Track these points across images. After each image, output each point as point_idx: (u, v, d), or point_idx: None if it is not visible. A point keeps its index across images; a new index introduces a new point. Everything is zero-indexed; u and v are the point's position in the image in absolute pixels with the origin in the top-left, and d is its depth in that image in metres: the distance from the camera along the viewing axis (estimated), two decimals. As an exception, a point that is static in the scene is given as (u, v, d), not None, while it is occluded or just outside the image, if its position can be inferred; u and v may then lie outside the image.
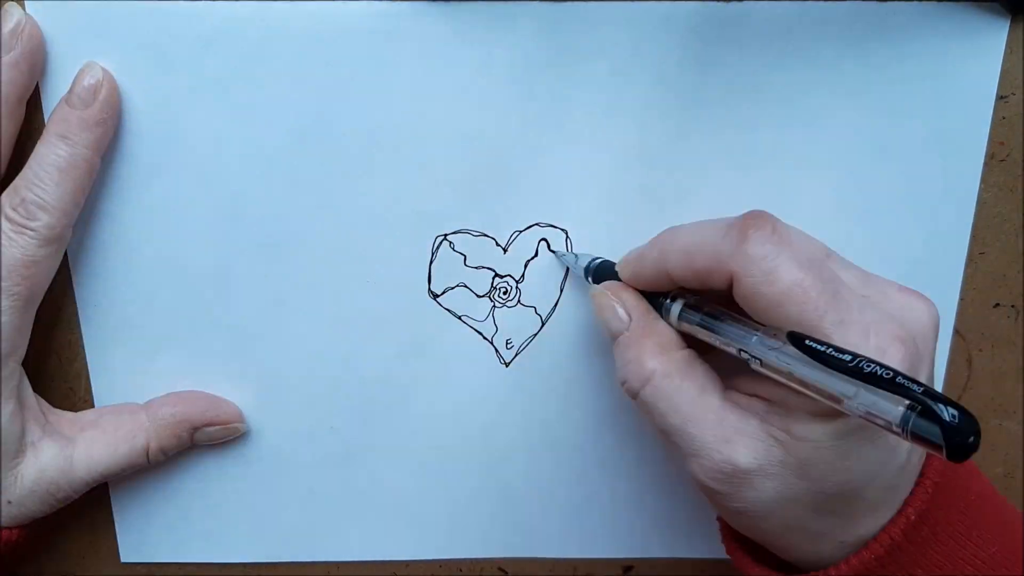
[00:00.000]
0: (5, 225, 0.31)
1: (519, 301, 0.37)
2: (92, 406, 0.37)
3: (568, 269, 0.37)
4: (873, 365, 0.24)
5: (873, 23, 0.34)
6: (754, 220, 0.29)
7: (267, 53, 0.33)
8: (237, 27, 0.32)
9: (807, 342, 0.26)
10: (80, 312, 0.36)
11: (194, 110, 0.34)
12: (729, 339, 0.29)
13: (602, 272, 0.35)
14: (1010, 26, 0.34)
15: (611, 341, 0.33)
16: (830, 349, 0.26)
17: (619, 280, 0.34)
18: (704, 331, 0.30)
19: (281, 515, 0.39)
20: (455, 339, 0.37)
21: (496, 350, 0.37)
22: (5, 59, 0.31)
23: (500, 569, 0.41)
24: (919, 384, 0.24)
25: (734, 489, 0.29)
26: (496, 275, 0.36)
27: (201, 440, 0.37)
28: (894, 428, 0.24)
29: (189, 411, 0.36)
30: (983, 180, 0.36)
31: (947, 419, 0.22)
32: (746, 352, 0.29)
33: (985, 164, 0.36)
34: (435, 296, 0.36)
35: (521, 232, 0.36)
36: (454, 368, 0.38)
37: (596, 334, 0.37)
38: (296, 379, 0.37)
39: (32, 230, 0.31)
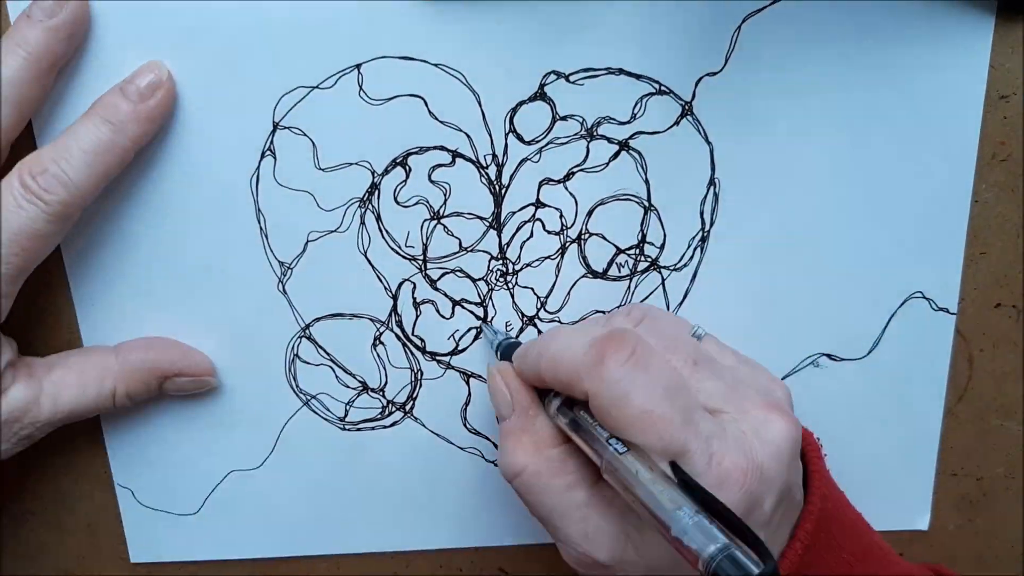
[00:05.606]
0: (17, 191, 0.30)
1: (516, 283, 0.37)
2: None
3: (563, 249, 0.37)
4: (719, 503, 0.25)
5: (865, 15, 0.34)
6: (613, 342, 0.29)
7: (253, 43, 0.33)
8: (223, 17, 0.33)
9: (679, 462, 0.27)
10: (77, 307, 0.36)
11: (182, 99, 0.34)
12: (587, 442, 0.30)
13: (507, 354, 0.35)
14: (1009, 24, 0.34)
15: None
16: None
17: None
18: (571, 431, 0.31)
19: (286, 509, 0.39)
20: (454, 323, 0.37)
21: (495, 332, 0.37)
22: (47, 24, 0.31)
23: (500, 569, 0.41)
24: (751, 533, 0.24)
25: (598, 573, 0.31)
26: (492, 257, 0.37)
27: (170, 390, 0.36)
28: (699, 567, 0.24)
29: (160, 359, 0.35)
30: (984, 180, 0.36)
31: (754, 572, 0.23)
32: (600, 458, 0.29)
33: (986, 164, 0.36)
34: (432, 281, 0.37)
35: (515, 213, 0.36)
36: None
37: (594, 314, 0.38)
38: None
39: (45, 203, 0.30)
